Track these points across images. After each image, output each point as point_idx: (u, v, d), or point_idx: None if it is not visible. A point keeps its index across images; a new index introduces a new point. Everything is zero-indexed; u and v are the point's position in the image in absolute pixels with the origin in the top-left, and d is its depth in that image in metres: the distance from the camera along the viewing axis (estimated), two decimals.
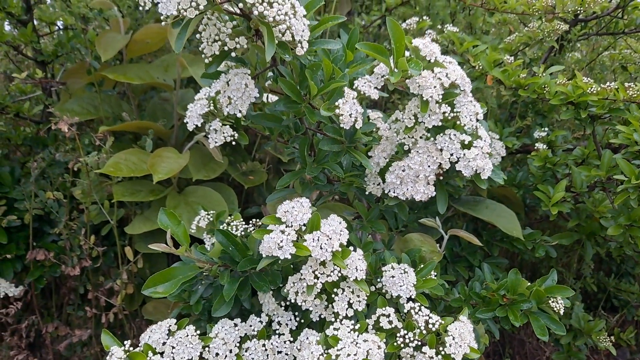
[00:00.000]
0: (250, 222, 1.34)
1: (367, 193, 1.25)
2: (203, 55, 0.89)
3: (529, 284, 1.36)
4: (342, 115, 0.96)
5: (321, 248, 0.95)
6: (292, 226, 0.97)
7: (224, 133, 1.18)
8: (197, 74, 1.68)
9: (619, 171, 1.53)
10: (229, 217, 1.38)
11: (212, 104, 1.17)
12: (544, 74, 1.60)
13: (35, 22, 1.86)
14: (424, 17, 1.87)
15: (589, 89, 1.50)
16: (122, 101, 1.89)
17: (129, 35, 1.74)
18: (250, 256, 1.12)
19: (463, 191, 1.62)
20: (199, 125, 1.19)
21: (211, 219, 1.48)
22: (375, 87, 1.10)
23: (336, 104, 0.96)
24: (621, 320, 2.55)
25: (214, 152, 1.64)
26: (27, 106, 1.87)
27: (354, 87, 1.06)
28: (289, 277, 1.05)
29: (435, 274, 1.28)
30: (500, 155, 1.76)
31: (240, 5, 0.79)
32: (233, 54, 0.88)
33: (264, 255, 1.00)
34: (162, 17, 0.82)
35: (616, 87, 1.49)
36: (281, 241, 0.94)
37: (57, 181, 1.74)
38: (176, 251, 1.09)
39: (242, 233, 1.30)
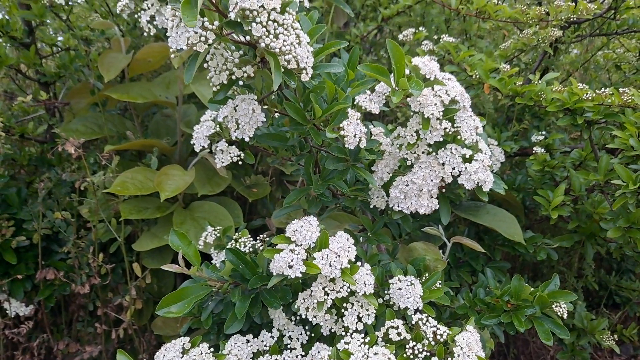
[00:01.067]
0: (258, 237, 1.37)
1: (371, 206, 1.27)
2: (211, 84, 0.92)
3: (532, 289, 1.38)
4: (346, 136, 0.98)
5: (330, 265, 0.98)
6: (301, 245, 1.00)
7: (230, 153, 1.21)
8: (198, 91, 1.70)
9: (617, 175, 1.56)
10: (237, 234, 1.40)
11: (218, 126, 1.21)
12: (539, 81, 1.63)
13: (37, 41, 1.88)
14: (421, 28, 1.90)
15: (585, 95, 1.54)
16: (126, 119, 1.92)
17: (131, 55, 1.77)
18: (260, 273, 1.14)
19: (464, 197, 1.65)
20: (206, 146, 1.22)
21: (218, 234, 1.50)
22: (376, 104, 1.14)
23: (341, 125, 0.99)
24: (623, 317, 2.59)
25: (220, 169, 1.67)
26: (31, 126, 1.90)
27: (355, 103, 1.09)
28: (299, 293, 1.08)
29: (440, 282, 1.31)
30: (499, 161, 1.79)
31: (248, 37, 0.82)
32: (240, 82, 0.91)
33: (274, 274, 1.02)
34: (171, 50, 0.85)
35: (611, 92, 1.52)
36: (291, 260, 0.97)
37: (64, 201, 1.76)
38: (188, 271, 1.12)
39: (250, 249, 1.32)
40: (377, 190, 1.27)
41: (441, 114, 1.07)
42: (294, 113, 0.99)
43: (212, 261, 1.49)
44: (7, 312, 1.77)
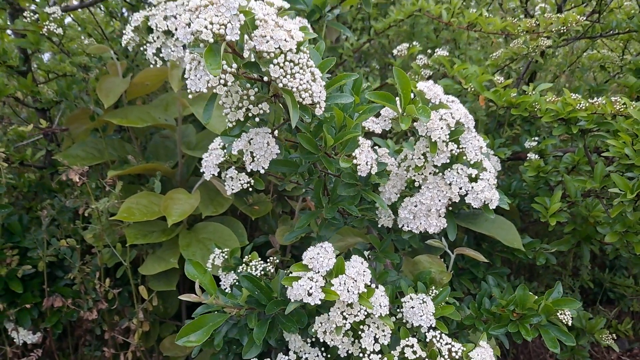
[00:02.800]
0: (268, 260, 1.39)
1: (379, 226, 1.30)
2: (227, 121, 0.94)
3: (536, 297, 1.42)
4: (359, 164, 1.01)
5: (348, 291, 1.01)
6: (319, 272, 1.02)
7: (240, 180, 1.23)
8: (198, 113, 1.72)
9: (611, 182, 1.60)
10: (246, 257, 1.42)
11: (227, 154, 1.22)
12: (533, 92, 1.67)
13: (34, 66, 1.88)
14: (414, 43, 1.93)
15: (578, 104, 1.58)
16: (125, 142, 1.93)
17: (129, 79, 1.78)
18: (275, 298, 1.17)
19: (467, 210, 1.68)
20: (215, 174, 1.24)
21: (226, 256, 1.52)
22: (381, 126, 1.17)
23: (353, 154, 1.01)
24: (618, 312, 2.64)
25: (221, 189, 1.68)
26: (29, 152, 1.90)
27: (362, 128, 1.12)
28: (317, 317, 1.10)
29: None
30: (496, 170, 1.83)
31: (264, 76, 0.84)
32: (257, 119, 0.93)
33: (292, 300, 1.05)
34: (188, 92, 0.87)
35: (603, 101, 1.56)
36: (310, 288, 1.00)
37: (69, 227, 1.77)
38: (206, 300, 1.13)
39: (262, 272, 1.35)
40: (384, 210, 1.29)
41: (447, 136, 1.10)
42: (306, 143, 1.01)
43: (220, 282, 1.51)
44: (14, 340, 1.77)
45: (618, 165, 1.50)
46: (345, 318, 1.04)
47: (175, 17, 1.21)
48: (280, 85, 0.83)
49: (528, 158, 1.88)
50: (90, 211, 1.67)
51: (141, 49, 1.23)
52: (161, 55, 1.22)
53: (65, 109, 2.01)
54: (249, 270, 1.35)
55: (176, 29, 1.22)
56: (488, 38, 2.42)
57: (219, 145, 1.24)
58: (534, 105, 1.64)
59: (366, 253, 1.46)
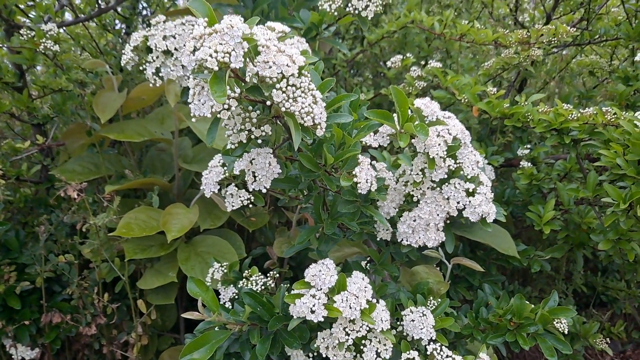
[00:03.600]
0: (268, 274, 1.40)
1: (378, 239, 1.32)
2: (229, 142, 0.95)
3: (533, 307, 1.44)
4: (359, 182, 1.03)
5: (350, 307, 1.02)
6: (321, 289, 1.04)
7: (240, 197, 1.24)
8: (195, 127, 1.73)
9: (604, 191, 1.63)
10: (247, 271, 1.43)
11: (227, 171, 1.24)
12: (525, 103, 1.70)
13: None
14: (408, 55, 1.95)
15: (570, 115, 1.60)
16: (121, 157, 1.93)
17: (125, 93, 1.79)
18: (277, 314, 1.18)
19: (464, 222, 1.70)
20: (216, 191, 1.25)
21: (225, 270, 1.53)
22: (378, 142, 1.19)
23: (353, 172, 1.03)
24: (610, 315, 2.67)
25: (220, 203, 1.69)
26: (25, 167, 1.90)
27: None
28: (319, 333, 1.12)
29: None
30: (490, 180, 1.85)
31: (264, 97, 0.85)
32: (259, 141, 0.95)
33: (294, 317, 1.06)
34: (192, 116, 0.88)
35: (595, 112, 1.59)
36: (313, 305, 1.01)
37: (66, 242, 1.77)
38: (209, 318, 1.14)
39: (263, 287, 1.36)
40: (384, 224, 1.31)
41: (445, 153, 1.12)
42: (307, 162, 1.03)
43: (219, 296, 1.52)
44: (12, 357, 1.77)
45: (610, 174, 1.52)
46: (347, 334, 1.06)
47: (175, 37, 1.22)
48: (283, 109, 0.84)
49: (521, 166, 1.91)
50: (88, 226, 1.67)
51: (140, 68, 1.24)
52: (160, 74, 1.23)
53: (59, 123, 2.01)
54: (249, 285, 1.37)
55: (175, 49, 1.24)
56: (479, 46, 2.45)
57: (219, 162, 1.25)
58: (526, 115, 1.67)
59: (363, 263, 1.47)
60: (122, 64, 1.27)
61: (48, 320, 1.72)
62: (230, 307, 1.37)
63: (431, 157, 1.11)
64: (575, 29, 1.79)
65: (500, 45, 1.79)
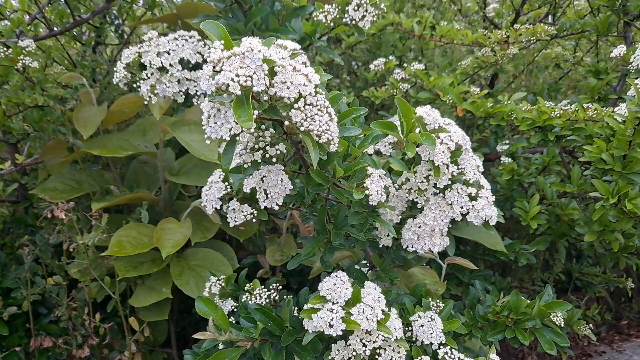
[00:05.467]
0: (272, 287, 1.39)
1: (380, 246, 1.33)
2: (242, 161, 0.94)
3: (529, 302, 1.47)
4: (371, 195, 1.03)
5: (367, 319, 1.03)
6: (337, 302, 1.04)
7: (243, 212, 1.23)
8: (181, 138, 1.70)
9: (588, 185, 1.68)
10: (248, 285, 1.42)
11: (228, 187, 1.22)
12: (508, 102, 1.74)
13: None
14: (390, 57, 1.96)
15: (553, 112, 1.65)
16: (104, 171, 1.88)
17: (106, 107, 1.74)
18: (287, 328, 1.17)
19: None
20: (218, 207, 1.24)
21: (222, 284, 1.51)
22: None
23: (365, 184, 1.03)
24: (586, 299, 2.77)
25: (212, 215, 1.67)
26: (0, 187, 1.83)
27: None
28: (333, 345, 1.12)
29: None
30: None
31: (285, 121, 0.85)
32: (274, 160, 0.94)
33: (310, 331, 1.06)
34: (206, 138, 0.87)
35: (576, 108, 1.64)
36: (331, 320, 1.01)
37: (53, 263, 1.72)
38: (220, 337, 1.13)
39: (267, 301, 1.35)
40: (384, 230, 1.32)
41: (449, 159, 1.13)
42: (317, 176, 1.02)
43: None
44: None
45: (594, 169, 1.57)
46: (364, 345, 1.06)
47: (169, 53, 1.19)
48: (302, 128, 0.84)
49: (502, 162, 1.95)
50: (75, 246, 1.63)
51: (134, 85, 1.21)
52: (156, 91, 1.21)
53: (34, 141, 1.94)
54: (253, 299, 1.36)
55: (171, 65, 1.21)
56: (453, 46, 2.49)
57: (220, 178, 1.23)
58: (510, 114, 1.70)
59: (360, 269, 1.48)
60: (115, 82, 1.23)
61: (38, 345, 1.67)
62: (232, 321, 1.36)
63: (436, 164, 1.12)
64: (551, 28, 1.84)
65: (480, 45, 1.82)
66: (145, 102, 1.21)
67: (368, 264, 1.52)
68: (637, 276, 2.71)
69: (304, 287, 1.39)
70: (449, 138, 1.14)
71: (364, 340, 1.07)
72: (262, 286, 1.40)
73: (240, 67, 0.76)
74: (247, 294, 1.37)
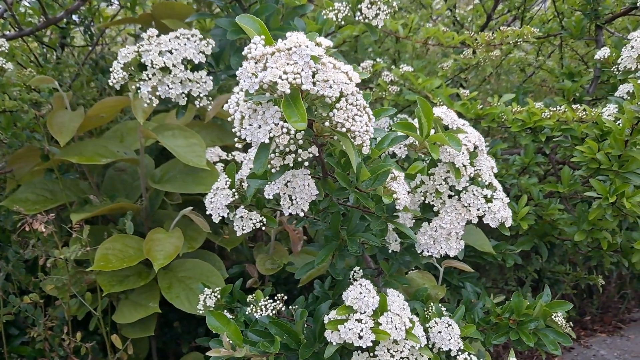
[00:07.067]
0: (276, 297, 1.33)
1: (390, 251, 1.29)
2: (270, 166, 0.88)
3: (528, 303, 1.47)
4: (399, 199, 0.99)
5: (396, 328, 0.99)
6: (365, 312, 0.99)
7: (251, 219, 1.17)
8: (166, 144, 1.61)
9: (579, 185, 1.71)
10: (250, 296, 1.35)
11: (236, 194, 1.16)
12: (498, 103, 1.74)
13: None
14: (378, 60, 1.94)
15: (543, 113, 1.66)
16: (79, 180, 1.76)
17: (82, 111, 1.63)
18: (302, 341, 1.12)
19: None
20: (225, 215, 1.17)
21: (218, 296, 1.44)
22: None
23: (392, 188, 0.99)
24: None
25: (201, 224, 1.59)
26: None
27: None
28: (354, 355, 1.07)
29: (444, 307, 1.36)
30: None
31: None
32: (306, 164, 0.88)
33: (334, 343, 1.01)
34: (236, 141, 0.81)
35: (565, 109, 1.66)
36: (361, 330, 0.96)
37: (28, 280, 1.59)
38: (237, 354, 1.06)
39: (274, 312, 1.28)
40: (392, 234, 1.28)
41: (468, 161, 1.11)
42: (341, 180, 0.98)
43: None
44: None
45: (586, 169, 1.59)
46: (392, 355, 1.02)
47: (171, 52, 1.12)
48: (343, 129, 0.79)
49: None
50: (53, 261, 1.51)
51: (134, 87, 1.13)
52: (157, 93, 1.13)
53: None
54: (258, 311, 1.29)
55: (174, 65, 1.14)
56: (430, 48, 2.49)
57: (226, 184, 1.17)
58: (500, 115, 1.71)
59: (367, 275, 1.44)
60: (111, 84, 1.14)
61: None
62: None
63: (457, 166, 1.10)
64: (537, 30, 1.86)
65: (467, 47, 1.82)
66: (146, 103, 1.12)
67: (367, 270, 1.48)
68: (601, 273, 2.79)
69: (291, 295, 1.34)
70: (468, 139, 1.12)
71: (391, 351, 1.02)
72: (268, 297, 1.33)
73: (288, 64, 0.71)
74: (250, 306, 1.30)
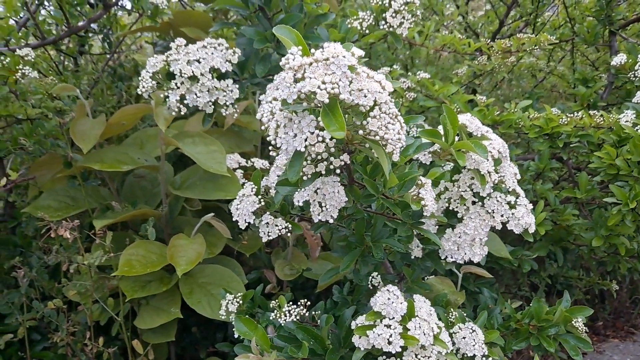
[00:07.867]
0: (299, 303, 1.34)
1: (412, 257, 1.30)
2: (302, 173, 0.89)
3: (548, 309, 1.48)
4: (426, 205, 1.01)
5: (425, 334, 1.00)
6: (393, 318, 1.00)
7: (277, 225, 1.18)
8: (187, 151, 1.63)
9: (596, 191, 1.71)
10: (274, 302, 1.37)
11: (262, 200, 1.17)
12: (515, 110, 1.75)
13: None
14: (395, 66, 1.95)
15: (560, 119, 1.67)
16: (100, 187, 1.78)
17: (104, 119, 1.65)
18: (328, 346, 1.13)
19: None
20: (251, 222, 1.18)
21: (240, 301, 1.45)
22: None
23: (420, 195, 1.01)
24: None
25: (222, 229, 1.61)
26: None
27: None
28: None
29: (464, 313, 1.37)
30: None
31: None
32: (337, 171, 0.90)
33: (361, 349, 1.02)
34: (271, 149, 0.82)
35: (583, 115, 1.67)
36: (390, 336, 0.97)
37: (51, 286, 1.60)
38: (264, 359, 1.07)
39: (297, 318, 1.29)
40: (414, 240, 1.29)
41: (492, 168, 1.12)
42: (370, 186, 0.99)
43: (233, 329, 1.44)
44: None
45: (605, 175, 1.60)
46: None
47: (199, 61, 1.13)
48: (377, 137, 0.80)
49: None
50: (76, 267, 1.53)
51: (162, 95, 1.14)
52: (185, 101, 1.14)
53: (18, 156, 1.83)
54: (282, 316, 1.30)
55: (202, 74, 1.15)
56: (435, 54, 2.50)
57: (252, 191, 1.18)
58: (518, 122, 1.72)
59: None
60: (140, 92, 1.16)
61: None
62: None
63: (482, 173, 1.11)
64: (553, 37, 1.87)
65: (482, 54, 1.84)
66: (174, 112, 1.14)
67: (387, 276, 1.49)
68: (614, 278, 2.79)
69: (309, 301, 1.35)
70: (492, 146, 1.13)
71: (419, 356, 1.03)
72: (291, 302, 1.34)
73: (326, 74, 0.72)
74: (274, 311, 1.32)
